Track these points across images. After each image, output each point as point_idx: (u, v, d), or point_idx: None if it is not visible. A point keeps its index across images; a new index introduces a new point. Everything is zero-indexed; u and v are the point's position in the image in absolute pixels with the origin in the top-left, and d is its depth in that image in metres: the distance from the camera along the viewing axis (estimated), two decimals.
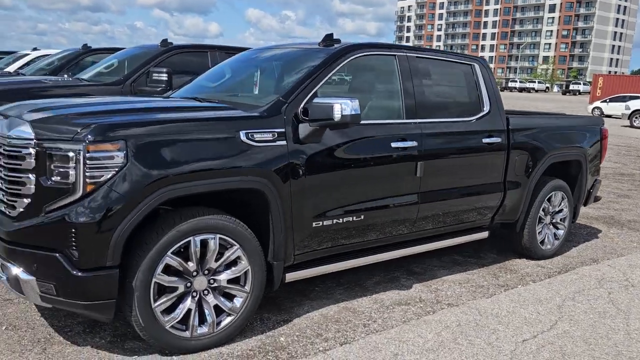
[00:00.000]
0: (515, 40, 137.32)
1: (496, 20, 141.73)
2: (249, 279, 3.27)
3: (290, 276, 3.55)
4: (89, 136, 2.71)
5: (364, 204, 3.77)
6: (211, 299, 3.17)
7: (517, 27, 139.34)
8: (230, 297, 3.26)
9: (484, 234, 4.91)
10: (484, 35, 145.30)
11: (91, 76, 6.68)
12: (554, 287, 4.52)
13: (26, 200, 2.81)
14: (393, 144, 3.85)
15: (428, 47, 4.59)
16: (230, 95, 4.07)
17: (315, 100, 3.34)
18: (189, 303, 3.09)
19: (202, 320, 3.16)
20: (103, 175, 2.73)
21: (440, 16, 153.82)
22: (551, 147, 5.09)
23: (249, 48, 7.13)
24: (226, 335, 3.24)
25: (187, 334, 3.09)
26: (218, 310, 3.21)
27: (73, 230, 2.69)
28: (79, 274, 2.72)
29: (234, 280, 3.24)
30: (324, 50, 3.86)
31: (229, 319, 3.24)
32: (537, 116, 5.47)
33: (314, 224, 3.53)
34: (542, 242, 5.30)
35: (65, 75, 7.87)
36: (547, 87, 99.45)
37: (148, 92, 5.77)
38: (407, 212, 4.05)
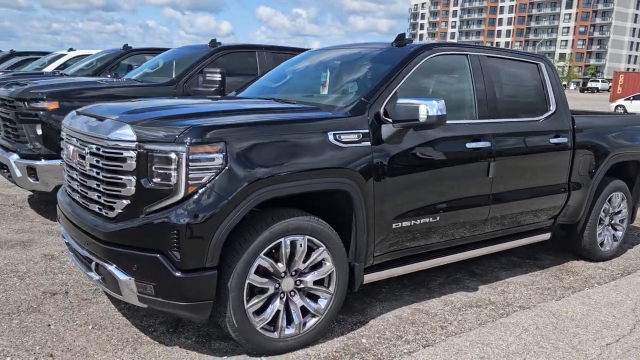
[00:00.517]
0: (531, 37, 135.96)
1: (511, 17, 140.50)
2: (333, 281, 3.26)
3: (369, 277, 3.55)
4: (192, 138, 2.72)
5: (440, 205, 3.75)
6: (298, 300, 3.17)
7: (532, 24, 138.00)
8: (314, 298, 3.26)
9: (547, 236, 4.87)
10: (499, 32, 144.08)
11: (140, 77, 6.71)
12: (622, 290, 4.47)
13: (125, 202, 2.83)
14: (468, 145, 3.83)
15: (495, 46, 4.57)
16: (304, 96, 4.06)
17: (400, 100, 3.33)
18: (277, 304, 3.10)
19: (289, 321, 3.17)
20: (204, 177, 2.75)
21: (455, 13, 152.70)
22: (614, 147, 5.02)
23: (295, 49, 7.18)
24: (311, 337, 3.24)
25: (275, 335, 3.10)
26: (304, 312, 3.21)
27: (175, 231, 2.71)
28: (180, 275, 2.73)
29: (318, 282, 3.23)
30: (399, 50, 3.84)
31: (313, 320, 3.24)
32: (600, 115, 5.41)
33: (393, 225, 3.52)
34: (602, 243, 5.24)
35: (109, 76, 7.93)
36: (565, 85, 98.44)
37: (201, 92, 5.78)
38: (478, 213, 4.03)
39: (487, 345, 3.37)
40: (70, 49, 11.60)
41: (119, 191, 2.84)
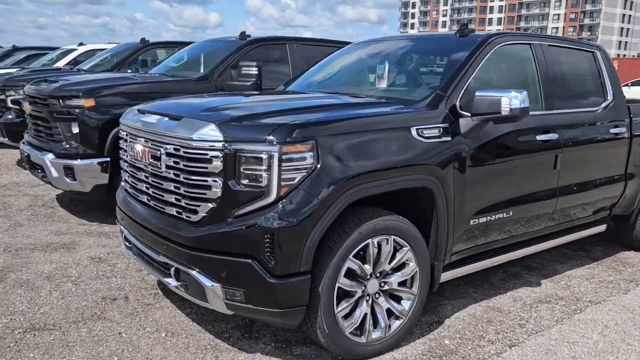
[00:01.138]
0: (522, 24, 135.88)
1: (502, 5, 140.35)
2: (416, 281, 3.15)
3: (445, 276, 3.44)
4: (283, 136, 2.58)
5: (513, 200, 3.65)
6: (383, 302, 3.06)
7: (523, 12, 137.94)
8: (397, 299, 3.14)
9: (602, 227, 4.77)
10: (490, 20, 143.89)
11: (169, 72, 6.52)
12: None
13: (210, 205, 2.69)
14: (538, 137, 3.72)
15: (555, 35, 4.43)
16: (366, 89, 3.93)
17: (479, 93, 3.20)
18: (364, 307, 2.98)
19: (374, 324, 3.05)
20: (296, 178, 2.61)
21: (446, 1, 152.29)
22: None
23: (326, 40, 7.02)
24: (396, 340, 3.13)
25: (362, 339, 2.98)
26: (388, 314, 3.09)
27: (269, 235, 2.57)
28: (274, 280, 2.60)
29: (402, 283, 3.12)
30: (466, 41, 3.71)
31: (398, 323, 3.12)
32: None
33: (471, 221, 3.40)
34: None
35: (129, 71, 7.73)
36: None
37: (237, 87, 5.61)
38: (546, 206, 3.93)
39: (573, 343, 3.27)
40: (80, 44, 11.32)
41: (204, 194, 2.70)
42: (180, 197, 2.82)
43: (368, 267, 2.93)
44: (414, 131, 3.02)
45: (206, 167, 2.67)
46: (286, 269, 2.61)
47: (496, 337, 3.34)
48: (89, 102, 5.00)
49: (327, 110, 2.97)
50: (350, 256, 2.83)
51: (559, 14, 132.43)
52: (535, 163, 3.75)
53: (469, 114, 3.26)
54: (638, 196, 4.85)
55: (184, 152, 2.74)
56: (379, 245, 2.95)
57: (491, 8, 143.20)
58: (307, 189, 2.61)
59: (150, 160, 2.99)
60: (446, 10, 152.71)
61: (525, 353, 3.14)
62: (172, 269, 2.89)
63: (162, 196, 2.94)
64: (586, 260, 4.90)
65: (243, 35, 6.36)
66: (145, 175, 3.10)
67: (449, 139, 3.17)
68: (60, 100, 5.08)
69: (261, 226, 2.58)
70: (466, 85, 3.37)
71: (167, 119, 2.97)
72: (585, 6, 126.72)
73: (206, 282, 2.71)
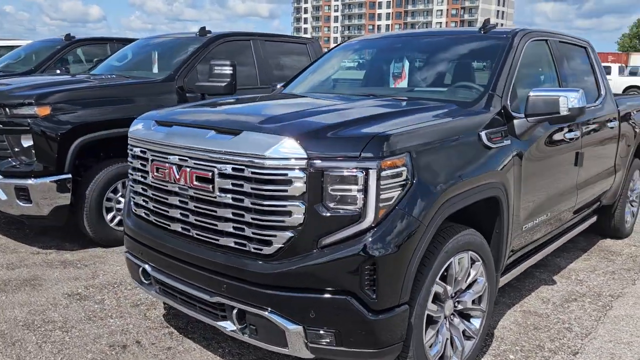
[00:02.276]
0: (409, 20, 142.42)
1: (390, 1, 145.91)
2: (485, 296, 2.93)
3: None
4: (380, 150, 2.22)
5: (550, 200, 3.56)
6: (460, 324, 2.81)
7: (410, 7, 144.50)
8: (468, 318, 2.91)
9: (594, 218, 4.90)
10: (379, 15, 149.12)
11: (115, 72, 5.75)
12: None
13: (289, 234, 2.26)
14: (567, 135, 3.66)
15: (556, 30, 4.40)
16: (405, 91, 3.60)
17: (534, 92, 3.04)
18: (445, 332, 2.71)
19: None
20: (393, 197, 2.27)
21: None
22: (639, 127, 5.16)
23: (288, 35, 6.61)
24: None
25: None
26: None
27: (369, 266, 2.20)
28: (374, 317, 2.24)
29: (474, 301, 2.89)
30: (496, 37, 3.54)
31: (469, 343, 2.89)
32: (630, 98, 5.51)
33: (524, 226, 3.26)
34: (626, 220, 5.40)
35: (58, 72, 6.78)
36: None
37: (208, 88, 5.08)
38: (570, 201, 3.90)
39: (629, 345, 3.24)
40: None
41: (281, 221, 2.27)
42: (244, 226, 2.36)
43: (450, 288, 2.67)
44: (483, 136, 2.79)
45: (285, 190, 2.24)
46: (388, 303, 2.27)
47: (554, 345, 3.23)
48: (43, 110, 4.22)
49: (404, 117, 2.63)
50: (437, 279, 2.54)
51: (441, 10, 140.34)
52: (564, 162, 3.69)
53: (521, 115, 3.09)
54: (620, 186, 5.03)
55: (253, 173, 2.28)
56: (459, 263, 2.69)
57: (380, 3, 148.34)
58: (405, 209, 2.28)
59: (195, 182, 2.48)
60: (337, 5, 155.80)
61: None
62: (234, 311, 2.42)
63: (216, 225, 2.45)
64: (577, 251, 5.00)
65: (203, 31, 5.77)
66: (182, 201, 2.58)
67: (509, 142, 2.98)
68: (7, 109, 4.24)
69: (360, 256, 2.20)
70: (512, 84, 3.20)
71: (214, 132, 2.47)
72: (465, 2, 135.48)
73: (287, 324, 2.29)
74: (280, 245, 2.29)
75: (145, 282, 2.92)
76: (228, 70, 4.99)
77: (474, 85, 3.37)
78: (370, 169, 2.20)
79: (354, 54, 4.23)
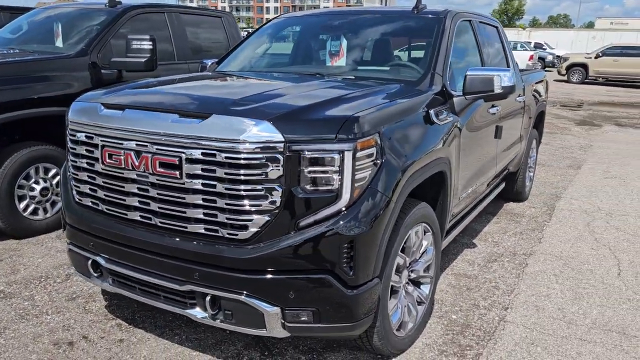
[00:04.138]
0: (297, 3, 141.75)
1: None
2: (433, 264, 3.14)
3: None
4: (356, 132, 2.27)
5: (481, 169, 3.85)
6: (414, 292, 2.99)
7: None
8: (419, 285, 3.11)
9: (503, 184, 5.37)
10: None
11: (9, 45, 5.17)
12: (569, 224, 5.21)
13: (266, 218, 2.26)
14: (490, 110, 3.95)
15: (470, 10, 4.55)
16: (348, 70, 3.62)
17: (471, 72, 3.25)
18: (403, 300, 2.88)
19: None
20: (366, 176, 2.34)
21: None
22: (538, 100, 5.70)
23: (203, 8, 6.32)
24: (422, 326, 3.11)
25: (402, 333, 2.89)
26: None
27: (347, 244, 2.27)
28: (352, 292, 2.33)
29: (425, 268, 3.08)
30: (430, 16, 3.70)
31: (421, 308, 3.09)
32: (527, 72, 6.00)
33: (461, 196, 3.51)
34: (526, 185, 5.99)
35: None
36: None
37: (126, 64, 4.78)
38: (491, 170, 4.24)
39: (548, 296, 3.65)
40: None
41: (257, 205, 2.25)
42: (217, 212, 2.31)
43: (407, 259, 2.83)
44: (432, 114, 2.95)
45: (262, 174, 2.22)
46: (363, 278, 2.37)
47: (487, 303, 3.55)
48: None
49: (363, 98, 2.68)
50: (399, 252, 2.68)
51: None
52: (489, 135, 3.99)
53: (459, 93, 3.29)
54: (523, 155, 5.54)
55: (227, 158, 2.23)
56: (415, 235, 2.86)
57: None
58: (377, 187, 2.37)
59: (159, 169, 2.37)
60: None
61: (524, 313, 3.41)
62: (208, 298, 2.38)
63: (184, 212, 2.38)
64: (488, 216, 5.46)
65: (113, 2, 5.34)
66: (141, 188, 2.46)
67: (452, 118, 3.17)
68: None
69: (338, 235, 2.26)
70: (449, 62, 3.39)
71: (177, 116, 2.37)
72: None
73: (265, 307, 2.31)
74: (256, 229, 2.28)
75: (95, 274, 2.75)
76: (147, 45, 4.72)
77: (413, 65, 3.52)
78: (346, 150, 2.25)
79: (288, 30, 4.19)
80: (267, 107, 2.37)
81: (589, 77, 24.49)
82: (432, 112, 2.95)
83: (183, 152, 2.30)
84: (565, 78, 25.10)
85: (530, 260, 4.28)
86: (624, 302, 3.59)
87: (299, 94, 2.70)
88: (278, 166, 2.21)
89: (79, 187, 2.74)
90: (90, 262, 2.72)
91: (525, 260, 4.28)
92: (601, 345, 3.05)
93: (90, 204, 2.71)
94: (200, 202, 2.33)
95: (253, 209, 2.26)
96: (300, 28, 4.20)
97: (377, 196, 2.36)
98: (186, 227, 2.39)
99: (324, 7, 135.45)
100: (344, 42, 3.80)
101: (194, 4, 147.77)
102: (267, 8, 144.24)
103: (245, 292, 2.31)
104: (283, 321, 2.35)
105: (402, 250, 2.76)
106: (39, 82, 4.31)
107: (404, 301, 2.88)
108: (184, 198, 2.36)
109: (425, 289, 3.12)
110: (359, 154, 2.28)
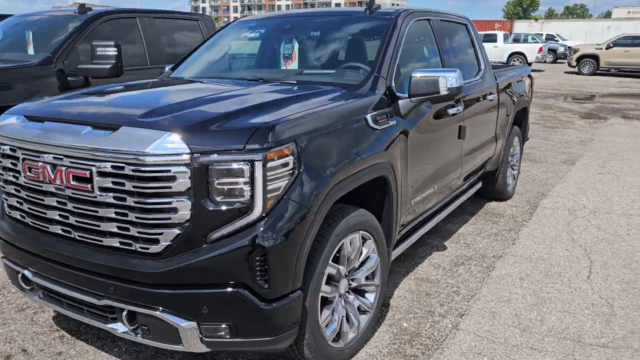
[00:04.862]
0: (309, 0, 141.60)
1: None
2: (378, 271, 3.06)
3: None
4: (266, 141, 2.20)
5: (438, 172, 3.75)
6: (355, 301, 2.92)
7: None
8: (362, 293, 3.03)
9: (480, 184, 5.26)
10: None
11: None
12: (548, 224, 5.07)
13: (177, 231, 2.21)
14: (449, 111, 3.85)
15: (431, 9, 4.44)
16: (289, 73, 3.58)
17: (415, 73, 3.15)
18: (341, 310, 2.81)
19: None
20: (281, 186, 2.27)
21: None
22: (517, 97, 5.56)
23: (176, 12, 6.30)
24: (365, 336, 3.03)
25: (341, 343, 2.82)
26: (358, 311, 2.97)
27: (260, 257, 2.21)
28: (268, 306, 2.27)
29: (367, 277, 3.00)
30: (381, 17, 3.61)
31: (365, 317, 3.02)
32: (501, 69, 5.85)
33: (412, 201, 3.42)
34: (508, 184, 5.85)
35: None
36: None
37: (92, 71, 4.77)
38: (455, 173, 4.14)
39: (508, 302, 3.54)
40: None
41: (167, 219, 2.20)
42: (129, 226, 2.27)
43: (342, 268, 2.75)
44: (369, 119, 2.87)
45: (169, 187, 2.17)
46: (281, 291, 2.30)
47: (443, 309, 3.46)
48: None
49: (290, 105, 2.61)
50: (330, 261, 2.61)
51: None
52: (448, 136, 3.89)
53: (405, 95, 3.20)
54: (501, 154, 5.41)
55: (134, 171, 2.18)
56: (350, 244, 2.78)
57: None
58: (293, 198, 2.30)
59: (72, 182, 2.33)
60: None
61: (478, 321, 3.31)
62: (124, 313, 2.34)
63: (98, 226, 2.34)
64: (465, 216, 5.35)
65: (83, 7, 5.35)
66: (60, 202, 2.42)
67: (394, 122, 3.08)
68: None
69: (250, 247, 2.20)
70: (396, 64, 3.30)
71: (90, 128, 2.33)
72: None
73: (179, 322, 2.26)
74: (167, 243, 2.23)
75: (27, 288, 2.73)
76: (112, 51, 4.71)
77: (361, 67, 3.43)
78: (256, 160, 2.18)
79: (243, 34, 4.13)
80: (177, 117, 2.32)
81: (600, 69, 24.00)
82: (368, 116, 2.87)
83: (94, 165, 2.26)
84: (575, 70, 24.63)
85: (499, 263, 4.17)
86: (586, 308, 3.47)
87: (220, 103, 2.64)
88: (185, 179, 2.16)
89: (7, 199, 2.72)
90: (20, 275, 2.70)
91: (494, 264, 4.17)
92: (552, 355, 2.94)
93: (18, 217, 2.68)
94: (113, 215, 2.29)
95: (163, 222, 2.21)
96: (257, 32, 4.13)
97: (293, 206, 2.29)
98: (101, 241, 2.36)
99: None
100: (296, 45, 3.72)
101: (206, 5, 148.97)
102: (279, 6, 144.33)
103: (158, 307, 2.26)
104: (201, 336, 2.30)
105: (336, 260, 2.69)
106: (1, 91, 4.31)
107: (341, 311, 2.81)
108: (97, 211, 2.32)
109: (370, 297, 3.04)
110: (270, 164, 2.21)
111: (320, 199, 2.40)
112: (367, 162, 2.78)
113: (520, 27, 48.99)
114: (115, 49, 4.69)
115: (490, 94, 4.78)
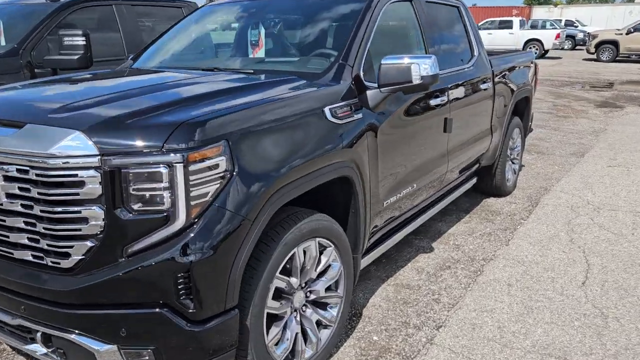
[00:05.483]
0: None
1: None
2: (342, 281, 2.77)
3: (362, 262, 3.12)
4: (188, 140, 1.92)
5: (417, 171, 3.44)
6: (312, 315, 2.63)
7: None
8: (324, 306, 2.74)
9: (474, 180, 4.92)
10: None
11: None
12: (547, 222, 4.72)
13: (89, 244, 1.94)
14: (431, 102, 3.52)
15: None
16: (250, 61, 3.29)
17: (385, 60, 2.82)
18: (295, 327, 2.52)
19: (305, 341, 2.62)
20: (208, 192, 1.99)
21: None
22: (517, 85, 5.19)
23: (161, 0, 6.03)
24: (327, 351, 2.75)
25: None
26: (317, 325, 2.69)
27: (183, 273, 1.94)
28: (195, 328, 2.00)
29: (328, 288, 2.72)
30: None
31: (327, 332, 2.74)
32: (500, 56, 5.47)
33: (385, 203, 3.11)
34: (507, 179, 5.49)
35: None
36: None
37: (60, 62, 4.52)
38: (439, 170, 3.81)
39: (492, 312, 3.23)
40: None
41: (77, 230, 1.94)
42: (38, 237, 2.01)
43: (295, 280, 2.47)
44: (327, 112, 2.56)
45: (77, 194, 1.90)
46: (210, 311, 2.03)
47: (419, 320, 3.16)
48: None
49: (228, 97, 2.32)
50: (277, 273, 2.33)
51: None
52: (431, 129, 3.56)
53: (375, 85, 2.88)
54: (499, 147, 5.06)
55: (37, 175, 1.92)
56: (305, 253, 2.49)
57: None
58: (225, 205, 2.01)
59: None
60: None
61: (455, 334, 3.01)
62: (39, 335, 2.09)
63: (7, 237, 2.09)
64: (460, 213, 5.02)
65: None
66: None
67: (360, 115, 2.77)
68: None
69: (171, 263, 1.93)
70: (366, 51, 2.98)
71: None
72: None
73: (96, 346, 2.00)
74: (79, 257, 1.96)
75: None
76: (80, 41, 4.43)
77: (329, 54, 3.11)
78: (176, 162, 1.90)
79: (210, 20, 3.83)
80: (87, 113, 2.04)
81: (620, 55, 23.18)
82: (327, 109, 2.56)
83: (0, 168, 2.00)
84: (594, 57, 23.84)
85: (488, 267, 3.85)
86: (577, 319, 3.14)
87: (150, 96, 2.35)
88: (95, 184, 1.89)
89: None
90: None
91: (482, 268, 3.85)
92: None
93: None
94: (22, 225, 2.03)
95: (72, 234, 1.95)
96: (224, 17, 3.82)
97: (224, 215, 2.01)
98: (13, 254, 2.10)
99: None
100: (263, 32, 3.42)
101: None
102: None
103: (74, 330, 2.00)
104: None
105: (287, 271, 2.41)
106: None
107: (295, 327, 2.53)
108: (4, 221, 2.06)
109: (333, 310, 2.76)
110: (194, 167, 1.93)
111: (259, 205, 2.11)
112: (324, 160, 2.48)
113: (539, 13, 47.77)
114: (84, 38, 4.42)
115: (484, 82, 4.43)
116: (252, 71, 2.98)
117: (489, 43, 25.91)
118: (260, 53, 3.45)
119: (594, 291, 3.47)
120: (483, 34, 27.05)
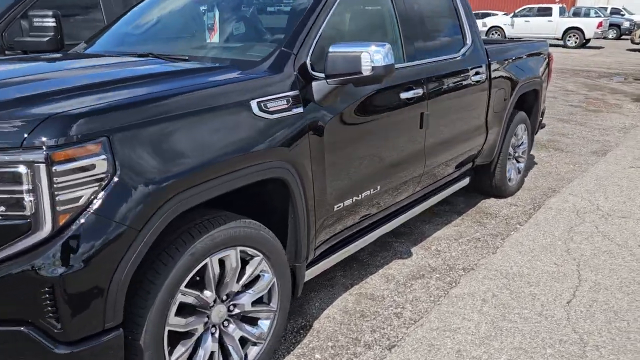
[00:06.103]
0: None
1: None
2: (275, 294, 2.50)
3: (309, 273, 2.84)
4: (55, 135, 1.67)
5: (381, 172, 3.11)
6: (235, 331, 2.37)
7: None
8: (253, 321, 2.48)
9: (467, 180, 4.54)
10: None
11: None
12: (545, 229, 4.31)
13: None
14: (402, 95, 3.17)
15: None
16: (190, 47, 3.03)
17: (333, 48, 2.50)
18: (210, 344, 2.27)
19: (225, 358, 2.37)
20: (82, 196, 1.74)
21: None
22: (520, 77, 4.75)
23: None
24: None
25: None
26: (242, 343, 2.42)
27: (47, 288, 1.70)
28: (68, 350, 1.76)
29: (257, 301, 2.45)
30: None
31: (256, 349, 2.47)
32: (506, 44, 5.03)
33: (335, 207, 2.81)
34: (510, 179, 5.08)
35: None
36: None
37: (30, 45, 4.34)
38: (414, 171, 3.47)
39: (455, 332, 2.89)
40: None
41: None
42: None
43: (209, 294, 2.20)
44: (254, 106, 2.27)
45: None
46: (85, 331, 1.79)
47: (373, 337, 2.86)
48: None
49: (129, 87, 2.06)
50: (182, 287, 2.07)
51: None
52: (401, 126, 3.22)
53: (323, 76, 2.57)
54: (498, 143, 4.65)
55: None
56: (222, 263, 2.22)
57: None
58: (102, 211, 1.76)
59: None
60: None
61: (407, 356, 2.69)
62: None
63: None
64: (451, 215, 4.65)
65: None
66: None
67: (300, 110, 2.47)
68: None
69: (33, 276, 1.69)
70: (317, 37, 2.66)
71: None
72: None
73: None
74: None
75: None
76: (50, 22, 4.22)
77: (274, 39, 2.80)
78: (38, 162, 1.65)
79: (162, 2, 3.56)
80: None
81: None
82: (254, 102, 2.26)
83: None
84: (639, 47, 22.60)
85: (465, 279, 3.50)
86: (551, 345, 2.77)
87: (26, 85, 2.10)
88: None
89: None
90: None
91: (459, 278, 3.50)
92: None
93: None
94: None
95: None
96: (169, 2, 3.53)
97: (101, 222, 1.75)
98: None
99: None
100: (217, 14, 3.14)
101: None
102: None
103: None
104: None
105: (197, 285, 2.15)
106: None
107: (211, 346, 2.27)
108: None
109: (264, 324, 2.49)
110: (61, 167, 1.68)
111: (148, 212, 1.85)
112: (246, 160, 2.20)
113: (585, 1, 45.77)
114: (54, 19, 4.21)
115: (477, 74, 4.03)
116: (186, 58, 2.70)
117: (526, 31, 24.86)
118: (215, 37, 3.17)
119: (578, 312, 3.08)
120: (519, 21, 25.97)
